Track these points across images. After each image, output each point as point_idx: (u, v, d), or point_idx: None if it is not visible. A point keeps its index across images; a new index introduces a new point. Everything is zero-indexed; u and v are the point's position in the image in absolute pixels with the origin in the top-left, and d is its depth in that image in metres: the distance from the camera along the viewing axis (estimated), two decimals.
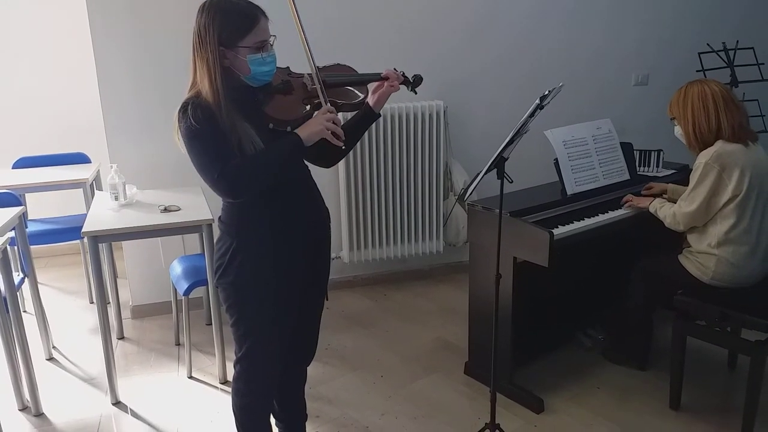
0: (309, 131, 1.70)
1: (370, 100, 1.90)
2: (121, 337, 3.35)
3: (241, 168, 1.65)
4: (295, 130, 1.70)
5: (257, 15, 1.68)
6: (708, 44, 3.89)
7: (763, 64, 3.83)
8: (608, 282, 3.01)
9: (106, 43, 3.21)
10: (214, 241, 1.93)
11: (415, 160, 3.70)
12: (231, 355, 1.99)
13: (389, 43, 3.61)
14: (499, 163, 1.97)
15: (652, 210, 2.62)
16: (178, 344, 3.25)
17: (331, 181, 3.57)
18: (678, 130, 2.56)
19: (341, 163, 3.45)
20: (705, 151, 2.43)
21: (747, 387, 2.32)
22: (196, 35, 1.66)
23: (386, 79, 1.87)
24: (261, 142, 1.68)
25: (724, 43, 3.90)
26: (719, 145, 2.41)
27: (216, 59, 1.64)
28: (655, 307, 2.76)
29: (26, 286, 3.08)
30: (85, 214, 2.97)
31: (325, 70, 1.84)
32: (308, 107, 1.79)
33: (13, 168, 3.93)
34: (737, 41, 3.89)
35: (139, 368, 3.04)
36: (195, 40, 1.66)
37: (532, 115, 1.87)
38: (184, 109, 1.65)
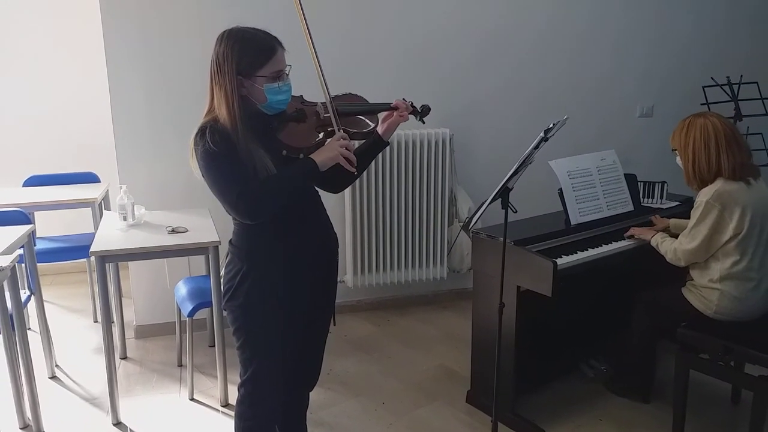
0: (324, 156, 1.74)
1: (380, 128, 1.94)
2: (124, 357, 3.35)
3: (259, 190, 1.68)
4: (311, 155, 1.74)
5: (275, 46, 1.73)
6: (712, 78, 3.93)
7: (767, 98, 3.87)
8: (612, 312, 3.01)
9: (119, 63, 3.28)
10: (222, 263, 1.95)
11: (421, 187, 3.73)
12: (233, 378, 2.00)
13: (397, 72, 3.68)
14: (503, 194, 2.00)
15: (653, 244, 2.63)
16: (180, 365, 3.25)
17: (337, 205, 3.61)
18: (679, 161, 2.57)
19: (348, 188, 3.48)
20: (706, 189, 2.44)
21: (750, 422, 2.30)
22: (215, 64, 1.70)
23: (396, 108, 1.91)
24: (274, 168, 1.72)
25: (728, 77, 3.94)
26: (720, 184, 2.40)
27: (234, 88, 1.68)
28: (657, 339, 2.76)
29: (31, 304, 3.10)
30: (93, 233, 3.00)
31: (338, 99, 1.89)
32: (321, 135, 1.83)
33: (23, 186, 3.98)
34: (741, 76, 3.94)
35: (141, 389, 3.04)
36: (213, 69, 1.71)
37: (536, 147, 1.90)
38: (201, 132, 1.69)
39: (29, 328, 3.45)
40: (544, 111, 3.93)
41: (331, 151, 1.74)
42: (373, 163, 3.47)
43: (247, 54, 1.69)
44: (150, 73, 3.33)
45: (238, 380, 1.93)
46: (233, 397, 1.98)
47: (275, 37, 1.75)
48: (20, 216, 3.09)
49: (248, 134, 1.69)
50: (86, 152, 4.42)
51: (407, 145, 3.65)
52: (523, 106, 3.96)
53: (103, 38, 3.26)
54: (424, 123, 2.01)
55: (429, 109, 1.97)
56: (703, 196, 2.42)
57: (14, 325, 2.60)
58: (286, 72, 1.75)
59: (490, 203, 2.02)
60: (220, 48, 1.70)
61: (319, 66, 1.81)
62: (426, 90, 3.69)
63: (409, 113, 1.93)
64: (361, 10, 3.58)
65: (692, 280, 2.56)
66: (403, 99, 1.93)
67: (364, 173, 3.53)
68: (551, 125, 1.87)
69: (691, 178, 2.50)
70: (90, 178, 4.08)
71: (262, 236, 1.81)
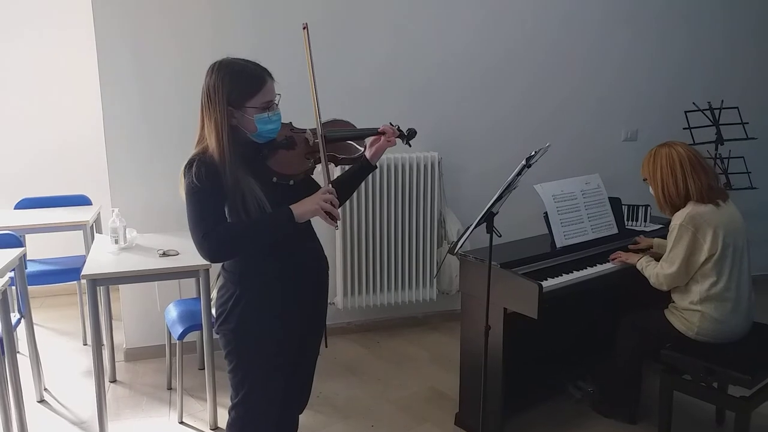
0: (303, 209, 1.75)
1: (368, 153, 1.99)
2: (114, 380, 3.35)
3: (227, 234, 1.72)
4: (291, 206, 1.75)
5: (264, 77, 1.77)
6: (694, 103, 4.03)
7: (747, 123, 3.97)
8: (598, 334, 3.05)
9: (112, 88, 3.33)
10: (212, 286, 1.98)
11: (410, 209, 3.78)
12: (223, 401, 2.02)
13: (387, 98, 3.75)
14: (488, 218, 2.04)
15: (639, 267, 2.69)
16: (170, 388, 3.25)
17: (327, 227, 3.62)
18: (651, 190, 2.66)
19: (338, 210, 3.53)
20: (679, 212, 2.53)
21: None
22: (205, 95, 1.74)
23: (383, 133, 1.96)
24: (264, 195, 1.74)
25: (709, 102, 4.04)
26: (691, 207, 2.49)
27: (224, 118, 1.72)
28: (643, 361, 2.80)
29: (21, 327, 3.10)
30: (84, 256, 3.01)
31: (326, 126, 1.93)
32: (310, 161, 1.87)
33: (15, 209, 3.99)
34: (722, 101, 4.04)
35: (131, 412, 3.03)
36: (204, 99, 1.75)
37: (519, 173, 1.96)
38: (189, 165, 1.72)
39: (18, 352, 3.45)
40: (531, 135, 4.02)
41: (312, 204, 1.75)
42: (363, 185, 3.56)
43: (237, 85, 1.73)
44: (142, 97, 3.37)
45: (229, 403, 1.94)
46: (223, 420, 2.00)
47: (265, 69, 1.79)
48: (11, 239, 3.11)
49: (238, 163, 1.73)
50: (78, 175, 4.44)
51: (397, 169, 3.71)
52: (511, 130, 4.03)
53: (97, 63, 3.31)
54: (410, 146, 2.07)
55: (415, 133, 2.02)
56: (676, 219, 2.51)
57: (3, 349, 2.61)
58: (276, 102, 1.79)
59: (474, 228, 2.07)
60: (210, 79, 1.74)
61: (316, 95, 1.85)
62: (415, 114, 3.76)
63: (396, 137, 1.99)
64: (350, 36, 3.66)
65: (674, 302, 2.61)
66: (390, 123, 1.99)
67: (355, 196, 3.59)
68: (533, 153, 1.93)
69: (663, 203, 2.59)
70: (82, 201, 4.10)
71: (254, 260, 1.83)
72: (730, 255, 2.47)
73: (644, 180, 2.68)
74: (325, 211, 1.75)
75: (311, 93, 1.85)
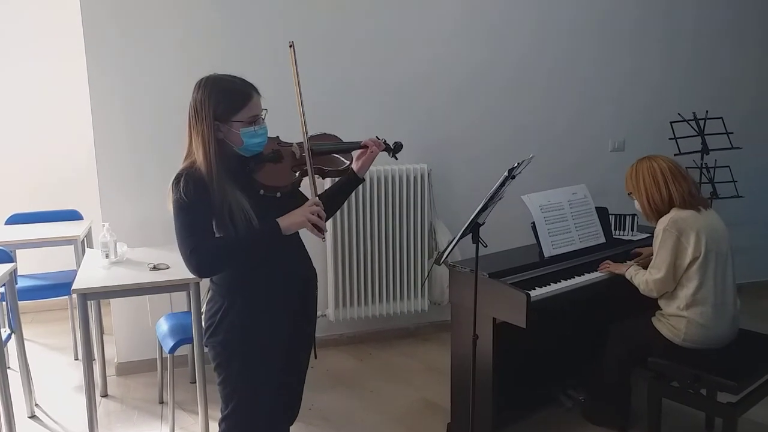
0: (290, 221, 1.78)
1: (355, 166, 2.02)
2: (105, 395, 3.34)
3: (215, 249, 1.74)
4: (277, 219, 1.78)
5: (250, 92, 1.81)
6: (679, 113, 4.09)
7: (732, 133, 4.03)
8: (588, 342, 3.07)
9: (103, 101, 3.35)
10: (203, 299, 2.00)
11: (401, 221, 3.81)
12: (215, 414, 2.02)
13: (376, 110, 3.79)
14: (474, 229, 2.07)
15: (628, 277, 2.73)
16: (161, 402, 3.24)
17: (317, 240, 3.64)
18: (636, 204, 2.72)
19: (328, 222, 3.55)
20: (662, 218, 2.59)
21: None
22: (192, 110, 1.77)
23: (368, 147, 2.00)
24: (251, 208, 1.77)
25: (694, 112, 4.10)
26: (674, 212, 2.57)
27: (211, 132, 1.75)
28: (632, 369, 2.82)
29: (11, 342, 3.09)
30: (74, 270, 3.02)
31: (313, 139, 1.96)
32: (297, 174, 1.90)
33: (5, 224, 3.99)
34: (707, 111, 4.10)
35: (122, 427, 3.02)
36: (191, 114, 1.77)
37: (502, 185, 1.99)
38: (177, 180, 1.74)
39: (9, 367, 3.43)
40: (519, 145, 4.05)
41: (298, 217, 1.78)
42: (353, 197, 3.60)
43: (223, 100, 1.76)
44: (133, 111, 3.40)
45: (219, 416, 1.95)
46: None
47: (251, 84, 1.83)
48: (2, 254, 3.11)
49: (225, 176, 1.75)
50: (69, 190, 4.45)
51: (386, 180, 3.74)
52: (499, 140, 4.07)
53: (87, 76, 3.33)
54: (396, 159, 2.10)
55: (401, 146, 2.06)
56: (660, 224, 2.58)
57: None
58: (262, 116, 1.82)
59: (460, 238, 2.09)
60: (197, 94, 1.77)
61: (302, 109, 1.88)
62: (404, 127, 3.80)
63: (382, 150, 2.02)
64: (336, 48, 3.69)
65: (660, 309, 2.65)
66: (377, 137, 2.03)
67: (345, 207, 3.62)
68: (516, 164, 1.96)
69: (649, 213, 2.66)
70: (72, 216, 4.11)
71: (243, 273, 1.85)
72: (713, 260, 2.52)
73: (629, 194, 2.75)
74: (312, 224, 1.77)
75: (298, 109, 1.88)
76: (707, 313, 2.51)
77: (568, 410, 3.04)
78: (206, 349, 1.94)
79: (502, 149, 4.04)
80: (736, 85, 4.62)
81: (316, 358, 2.10)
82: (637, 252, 2.99)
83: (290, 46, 1.89)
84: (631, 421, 2.88)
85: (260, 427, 1.96)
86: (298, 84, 1.88)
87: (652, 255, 2.89)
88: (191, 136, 1.78)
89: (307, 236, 2.04)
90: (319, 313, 3.63)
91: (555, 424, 2.95)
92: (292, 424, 2.17)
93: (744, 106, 4.59)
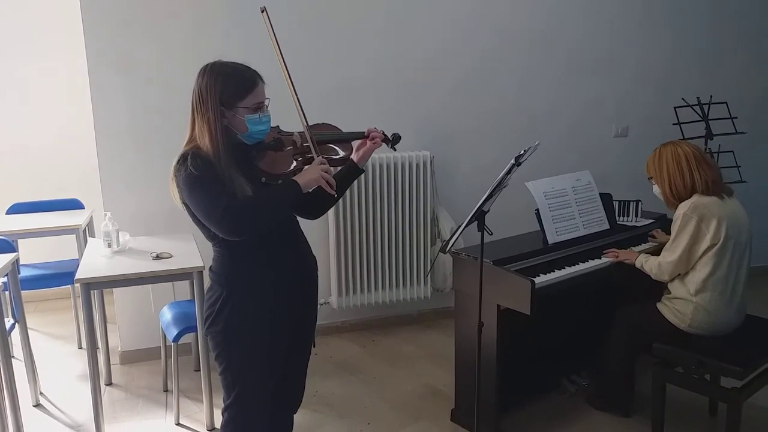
0: (307, 178, 1.80)
1: (355, 156, 2.02)
2: (109, 383, 3.35)
3: (244, 206, 1.73)
4: (293, 177, 1.80)
5: (256, 79, 1.80)
6: (683, 98, 4.06)
7: (736, 117, 4.00)
8: (592, 328, 3.07)
9: (104, 91, 3.32)
10: (205, 289, 1.99)
11: (403, 208, 3.79)
12: (219, 402, 2.02)
13: (379, 98, 3.75)
14: (479, 216, 2.06)
15: (638, 265, 2.71)
16: (166, 390, 3.25)
17: (320, 227, 3.65)
18: (656, 189, 2.69)
19: (331, 210, 3.54)
20: (683, 203, 2.56)
21: None
22: (197, 95, 1.76)
23: (368, 137, 2.00)
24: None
25: (698, 97, 4.07)
26: (696, 198, 2.54)
27: (217, 118, 1.74)
28: (636, 354, 2.82)
29: (15, 331, 3.10)
30: (77, 260, 3.01)
31: (313, 129, 1.95)
32: (298, 161, 1.89)
33: (7, 214, 3.98)
34: (711, 96, 4.07)
35: (127, 415, 3.03)
36: (196, 100, 1.76)
37: (509, 172, 1.97)
38: (183, 159, 1.73)
39: (13, 356, 3.44)
40: (522, 132, 4.04)
41: (313, 173, 1.80)
42: (355, 184, 3.58)
43: (229, 86, 1.76)
44: (134, 101, 3.37)
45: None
46: (219, 421, 2.01)
47: (256, 71, 1.82)
48: (4, 244, 3.10)
49: (229, 161, 1.75)
50: (70, 179, 4.44)
51: (389, 168, 3.72)
52: (503, 127, 4.05)
53: (87, 67, 3.30)
54: (395, 150, 2.09)
55: (400, 138, 2.07)
56: (681, 209, 2.55)
57: None
58: (266, 104, 1.82)
59: (466, 226, 2.08)
60: (202, 80, 1.76)
61: (297, 96, 1.87)
62: (406, 114, 3.78)
63: (381, 140, 2.02)
64: (337, 37, 3.65)
65: (669, 293, 2.64)
66: (375, 128, 2.02)
67: (347, 195, 3.61)
68: (522, 152, 1.95)
69: (671, 199, 2.63)
70: (74, 205, 4.10)
71: (241, 262, 1.85)
72: (731, 248, 2.50)
73: (649, 179, 2.71)
74: (324, 180, 1.79)
75: (284, 78, 1.86)
76: (715, 299, 2.50)
77: (572, 396, 3.05)
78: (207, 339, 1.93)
79: (505, 136, 4.02)
80: (741, 70, 4.58)
81: (314, 346, 2.10)
82: (653, 234, 2.97)
83: (262, 11, 1.86)
84: (635, 407, 2.89)
85: (263, 415, 1.96)
86: (285, 66, 1.86)
87: (665, 240, 2.89)
88: (194, 122, 1.77)
89: (308, 224, 2.04)
90: (322, 300, 3.64)
91: (559, 410, 2.96)
92: (295, 412, 2.18)
93: (748, 90, 4.56)
